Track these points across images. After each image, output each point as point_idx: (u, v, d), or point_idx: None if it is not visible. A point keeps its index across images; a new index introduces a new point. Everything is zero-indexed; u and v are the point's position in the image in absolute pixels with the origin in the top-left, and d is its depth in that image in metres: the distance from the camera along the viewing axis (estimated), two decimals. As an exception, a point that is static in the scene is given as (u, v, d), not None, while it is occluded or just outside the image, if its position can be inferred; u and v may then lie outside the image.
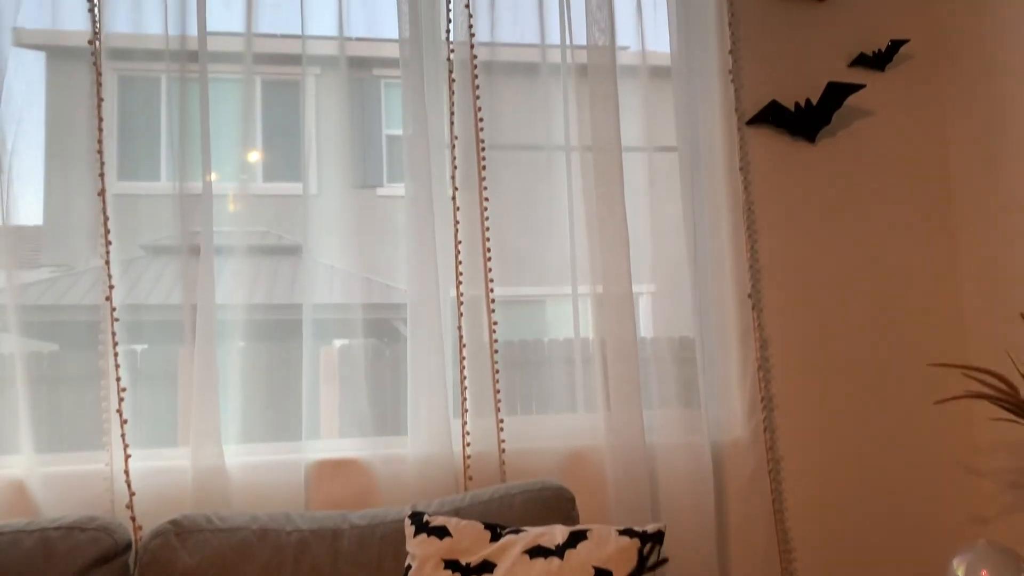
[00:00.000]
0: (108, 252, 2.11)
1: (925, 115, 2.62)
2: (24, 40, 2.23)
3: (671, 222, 2.43)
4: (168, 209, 2.23)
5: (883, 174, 2.57)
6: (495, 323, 2.27)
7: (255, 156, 2.33)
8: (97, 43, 2.17)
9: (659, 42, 2.50)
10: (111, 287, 2.10)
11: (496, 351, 2.27)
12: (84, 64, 2.19)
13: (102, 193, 2.11)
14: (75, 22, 2.22)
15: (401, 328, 2.37)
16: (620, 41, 2.45)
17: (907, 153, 2.60)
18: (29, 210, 2.23)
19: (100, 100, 2.14)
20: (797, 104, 2.50)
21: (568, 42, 2.40)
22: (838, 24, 2.60)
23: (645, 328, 2.48)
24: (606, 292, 2.32)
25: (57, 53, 2.29)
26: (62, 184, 2.25)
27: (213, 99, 2.23)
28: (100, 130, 2.13)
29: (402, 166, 2.32)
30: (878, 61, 2.57)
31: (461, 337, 2.25)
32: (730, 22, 2.48)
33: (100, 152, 2.13)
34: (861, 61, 2.57)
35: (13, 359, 2.08)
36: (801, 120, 2.49)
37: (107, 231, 2.11)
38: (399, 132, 2.39)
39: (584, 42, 2.40)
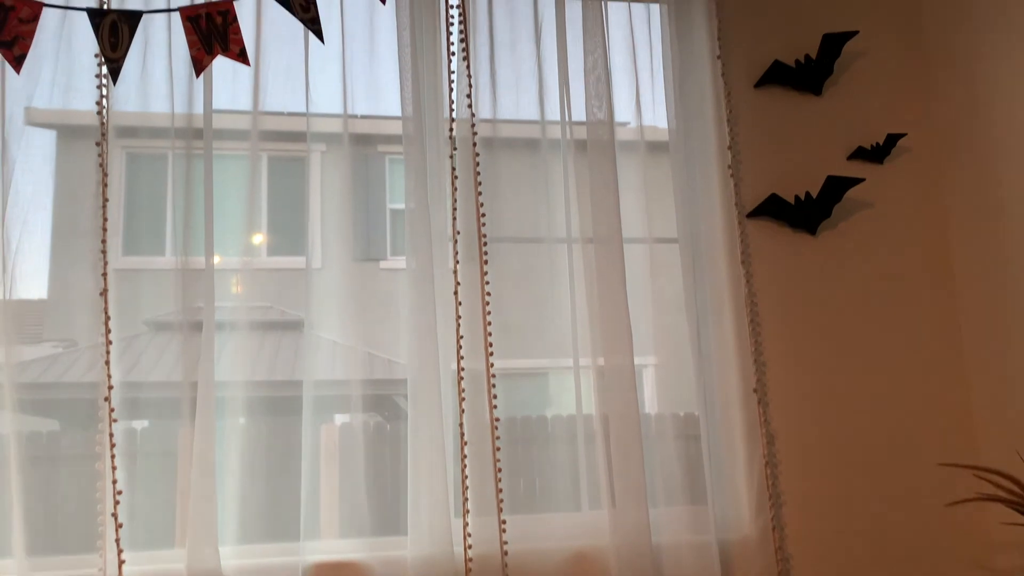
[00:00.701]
0: (108, 328, 2.12)
1: (926, 207, 2.64)
2: (35, 119, 2.26)
3: (673, 304, 2.44)
4: (171, 284, 2.22)
5: (886, 266, 2.59)
6: (495, 396, 2.25)
7: (259, 238, 2.35)
8: (104, 121, 2.20)
9: (657, 118, 2.55)
10: (107, 363, 2.10)
11: (497, 429, 2.24)
12: (92, 141, 2.21)
13: (104, 269, 2.13)
14: (85, 102, 2.27)
15: (402, 404, 2.36)
16: (618, 117, 2.49)
17: (909, 245, 2.61)
18: (34, 284, 2.24)
19: (105, 176, 2.17)
20: (797, 197, 2.53)
21: (567, 118, 2.43)
22: (835, 118, 2.64)
23: (648, 403, 2.47)
24: (608, 365, 2.31)
25: (66, 131, 2.33)
26: (67, 259, 2.27)
27: (218, 175, 2.25)
28: (105, 206, 2.16)
29: (404, 240, 2.34)
30: (877, 154, 2.61)
31: (462, 414, 2.23)
32: (728, 118, 2.52)
33: (104, 228, 2.15)
34: (860, 154, 2.61)
35: (8, 440, 2.06)
36: (802, 213, 2.52)
37: (106, 307, 2.12)
38: (403, 206, 2.41)
39: (583, 118, 2.44)
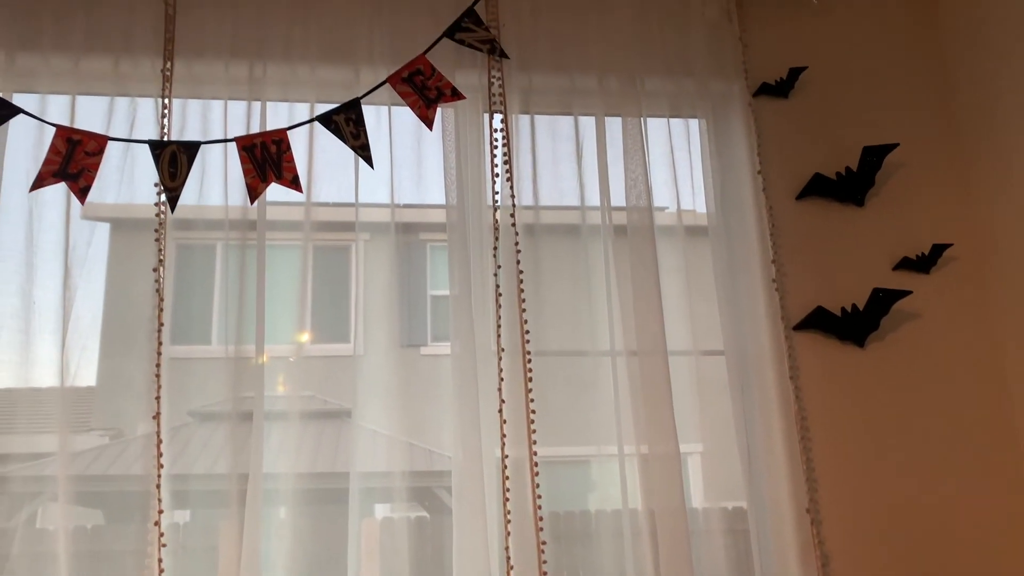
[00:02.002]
0: (159, 419, 2.15)
1: (975, 316, 2.60)
2: (90, 213, 2.35)
3: (722, 422, 2.41)
4: (218, 374, 2.25)
5: (938, 377, 2.54)
6: (538, 484, 2.22)
7: (306, 336, 2.39)
8: (162, 216, 2.28)
9: (697, 203, 2.59)
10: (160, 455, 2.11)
11: (541, 520, 2.20)
12: (144, 233, 2.28)
13: (159, 359, 2.17)
14: (142, 196, 2.34)
15: (443, 496, 2.35)
16: (657, 202, 2.52)
17: (960, 355, 2.57)
18: (83, 372, 2.28)
19: (162, 268, 2.24)
20: (844, 309, 2.51)
21: (610, 248, 2.46)
22: (879, 229, 2.63)
23: (695, 495, 2.43)
24: (652, 453, 2.28)
25: (120, 224, 2.42)
26: (116, 348, 2.32)
27: (267, 264, 2.29)
28: (160, 299, 2.21)
29: (446, 325, 2.36)
30: (923, 264, 2.59)
31: (507, 510, 2.20)
32: (771, 231, 2.53)
33: (160, 320, 2.20)
34: (905, 264, 2.59)
35: (56, 535, 2.08)
36: (849, 325, 2.50)
37: (159, 397, 2.15)
38: (443, 292, 2.44)
39: (623, 203, 2.47)
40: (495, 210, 2.42)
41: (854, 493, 2.42)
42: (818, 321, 2.50)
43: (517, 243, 2.40)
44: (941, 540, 2.42)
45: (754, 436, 2.42)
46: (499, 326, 2.33)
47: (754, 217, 2.55)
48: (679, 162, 2.59)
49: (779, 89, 2.68)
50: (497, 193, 2.43)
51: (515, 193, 2.43)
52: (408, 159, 2.48)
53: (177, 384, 2.24)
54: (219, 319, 2.41)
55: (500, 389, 2.28)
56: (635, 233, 2.45)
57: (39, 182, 2.17)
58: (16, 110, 2.22)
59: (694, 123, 2.66)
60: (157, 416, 2.15)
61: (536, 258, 2.43)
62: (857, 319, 2.50)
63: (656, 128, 2.61)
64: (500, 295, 2.34)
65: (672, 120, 2.63)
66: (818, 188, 2.62)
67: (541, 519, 2.21)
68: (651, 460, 2.28)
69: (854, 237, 2.62)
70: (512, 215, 2.41)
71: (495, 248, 2.39)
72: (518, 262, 2.39)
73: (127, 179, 2.34)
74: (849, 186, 2.62)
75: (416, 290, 2.54)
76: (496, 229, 2.40)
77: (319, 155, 2.40)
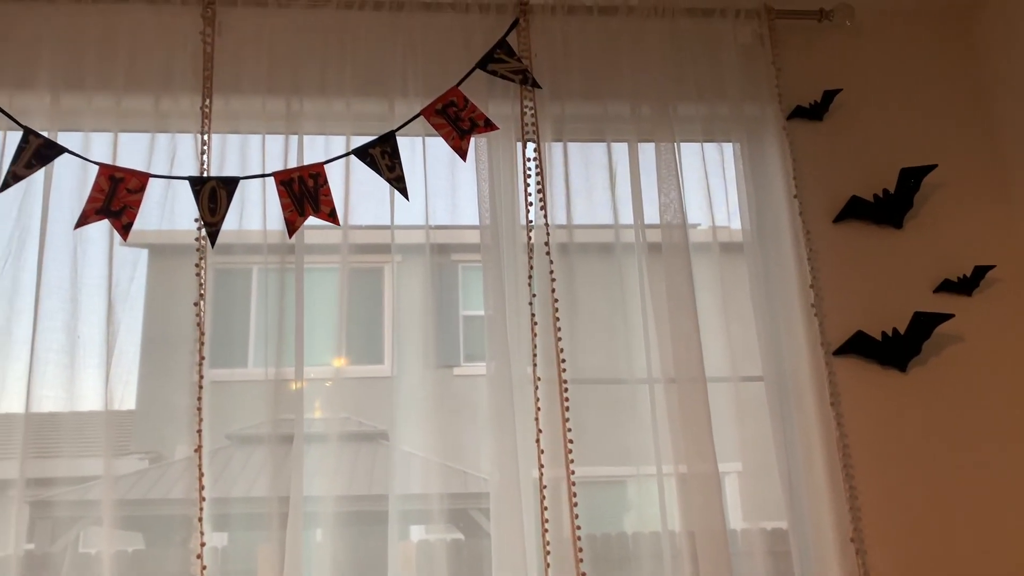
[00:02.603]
0: (200, 442, 2.17)
1: (1020, 338, 2.55)
2: (131, 240, 2.36)
3: (759, 441, 2.39)
4: (256, 397, 2.27)
5: (983, 402, 2.49)
6: (576, 504, 2.21)
7: (341, 361, 2.40)
8: (202, 251, 2.31)
9: (732, 221, 2.58)
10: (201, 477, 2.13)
11: (580, 541, 2.19)
12: (181, 257, 2.32)
13: (200, 382, 2.20)
14: (181, 223, 2.37)
15: (478, 518, 2.35)
16: (691, 219, 2.51)
17: (1006, 379, 2.51)
18: (124, 396, 2.30)
19: (203, 303, 2.27)
20: (884, 334, 2.48)
21: (644, 271, 2.45)
22: (919, 251, 2.60)
23: (733, 515, 2.40)
24: (691, 472, 2.26)
25: (159, 249, 2.45)
26: (155, 371, 2.35)
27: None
28: (201, 323, 2.24)
29: (479, 345, 2.37)
30: (964, 286, 2.55)
31: (545, 529, 2.19)
32: (808, 256, 2.51)
33: (201, 343, 2.23)
34: (947, 287, 2.55)
35: (101, 559, 2.11)
36: (890, 350, 2.46)
37: (200, 420, 2.18)
38: (474, 312, 2.45)
39: (657, 221, 2.46)
40: (529, 229, 2.42)
41: (899, 522, 2.37)
42: (858, 346, 2.47)
43: (551, 262, 2.39)
44: (992, 571, 2.37)
45: (795, 461, 2.40)
46: (535, 354, 2.32)
47: (791, 241, 2.53)
48: (714, 187, 2.58)
49: (813, 112, 2.67)
50: (531, 219, 2.44)
51: (548, 219, 2.44)
52: (442, 188, 2.50)
53: (214, 407, 2.26)
54: (255, 342, 2.43)
55: (537, 419, 2.27)
56: (670, 251, 2.44)
57: (83, 219, 2.21)
58: (61, 149, 2.27)
59: (728, 147, 2.65)
60: (199, 449, 2.17)
61: (570, 277, 2.43)
62: (898, 343, 2.47)
63: (690, 153, 2.60)
64: (536, 323, 2.34)
65: (706, 144, 2.62)
66: (856, 211, 2.59)
67: (579, 538, 2.20)
68: (690, 480, 2.26)
69: (893, 260, 2.59)
70: (546, 234, 2.41)
71: (530, 269, 2.39)
72: (552, 280, 2.38)
73: (168, 210, 2.37)
74: (887, 208, 2.59)
75: (448, 310, 2.55)
76: (530, 248, 2.40)
77: (355, 187, 2.42)
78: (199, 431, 2.18)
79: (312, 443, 2.25)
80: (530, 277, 2.38)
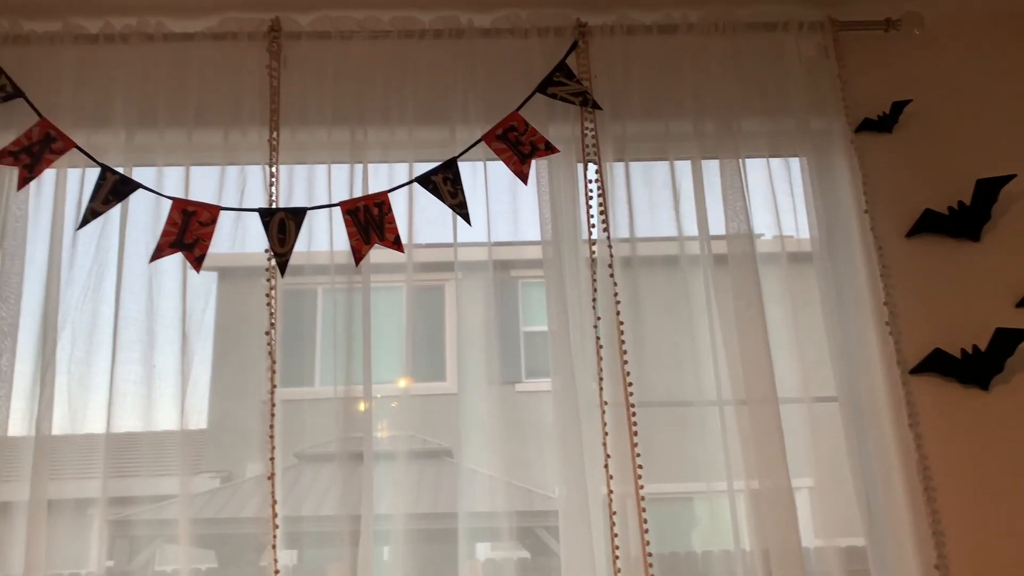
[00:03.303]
0: (273, 462, 2.20)
1: (1110, 352, 2.45)
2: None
3: (831, 456, 2.32)
4: (323, 415, 2.31)
5: (1071, 420, 2.38)
6: (646, 521, 2.18)
7: (404, 383, 2.42)
8: (272, 280, 2.35)
9: (799, 231, 2.53)
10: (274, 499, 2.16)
11: (650, 562, 2.16)
12: (251, 279, 2.38)
13: (273, 400, 2.24)
14: (250, 246, 2.42)
15: (544, 537, 2.34)
16: (756, 229, 2.47)
17: (1095, 395, 2.41)
18: (195, 415, 2.35)
19: (273, 332, 2.31)
20: (964, 351, 2.40)
21: (706, 234, 2.43)
22: (998, 264, 2.50)
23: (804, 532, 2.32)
24: (762, 488, 2.22)
25: (228, 272, 2.52)
26: (227, 391, 2.42)
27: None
28: (272, 342, 2.28)
29: (542, 361, 2.37)
30: (1049, 300, 2.46)
31: (615, 546, 2.17)
32: (881, 272, 2.45)
33: (273, 371, 2.27)
34: (1030, 301, 2.47)
35: None
36: (970, 368, 2.38)
37: (272, 440, 2.21)
38: (535, 328, 2.44)
39: (722, 232, 2.43)
40: (591, 243, 2.41)
41: (986, 549, 2.28)
42: (936, 364, 2.39)
43: (612, 276, 2.38)
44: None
45: (871, 481, 2.33)
46: (601, 377, 2.31)
47: (863, 257, 2.47)
48: (781, 203, 2.53)
49: (882, 124, 2.60)
50: (594, 239, 2.43)
51: (611, 236, 2.43)
52: (504, 211, 2.50)
53: (282, 425, 2.29)
54: (322, 361, 2.47)
55: (605, 444, 2.25)
56: (736, 262, 2.41)
57: (158, 253, 2.28)
58: (136, 185, 2.35)
59: (795, 162, 2.60)
60: (271, 474, 2.20)
61: (634, 291, 2.41)
62: (979, 361, 2.38)
63: (755, 168, 2.56)
64: (601, 344, 2.32)
65: (772, 160, 2.57)
66: (929, 224, 2.52)
67: (650, 555, 2.17)
68: (762, 496, 2.22)
69: (971, 274, 2.51)
70: (609, 247, 2.40)
71: (594, 283, 2.37)
72: (616, 297, 2.37)
73: (239, 237, 2.43)
74: (963, 221, 2.51)
75: (509, 327, 2.55)
76: (593, 263, 2.39)
77: (418, 213, 2.44)
78: (271, 458, 2.21)
79: (379, 461, 2.27)
80: (594, 291, 2.37)
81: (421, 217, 2.44)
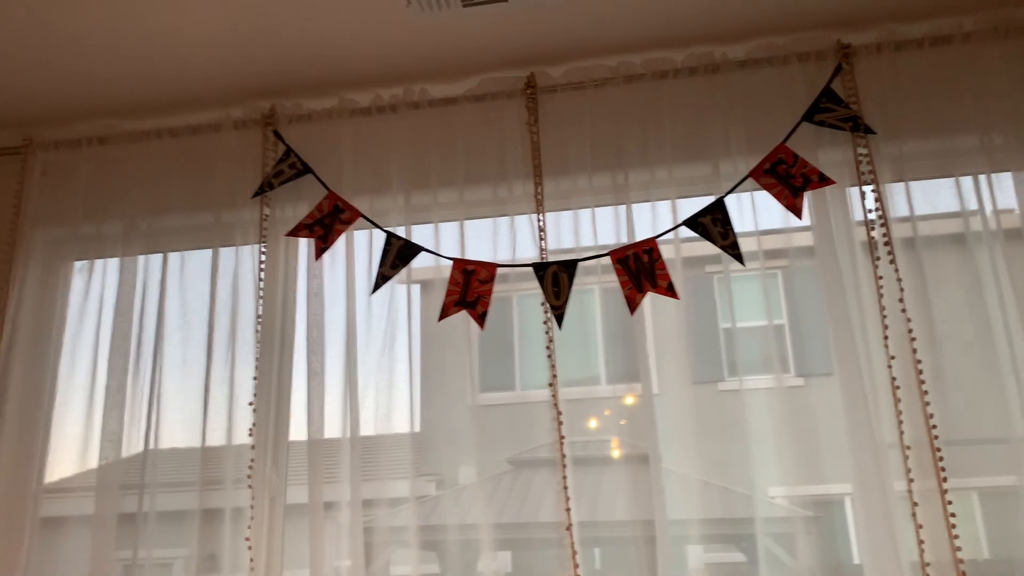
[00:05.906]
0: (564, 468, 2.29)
1: None
2: (408, 278, 2.57)
3: None
4: (524, 419, 2.40)
5: None
6: (954, 525, 2.07)
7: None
8: (548, 316, 2.43)
9: None
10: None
11: (962, 570, 2.05)
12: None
13: (554, 401, 2.34)
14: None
15: (767, 543, 2.26)
16: None
17: None
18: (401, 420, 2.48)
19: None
20: None
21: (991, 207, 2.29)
22: None
23: None
24: None
25: (430, 284, 2.59)
26: (435, 397, 2.54)
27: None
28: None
29: (740, 359, 2.34)
30: None
31: (922, 550, 2.08)
32: None
33: (553, 365, 2.38)
34: None
35: None
36: None
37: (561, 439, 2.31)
38: (729, 325, 2.38)
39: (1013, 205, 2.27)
40: (869, 228, 2.34)
41: None
42: None
43: (894, 262, 2.29)
44: None
45: None
46: (887, 347, 2.22)
47: None
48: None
49: None
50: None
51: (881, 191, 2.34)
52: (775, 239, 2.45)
53: (485, 430, 2.38)
54: (520, 365, 2.57)
55: (902, 433, 2.16)
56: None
57: (444, 312, 2.43)
58: (418, 249, 2.51)
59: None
60: (563, 479, 2.27)
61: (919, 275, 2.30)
62: None
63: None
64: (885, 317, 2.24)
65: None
66: None
67: (961, 561, 2.06)
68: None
69: None
70: (885, 225, 2.31)
71: (875, 265, 2.30)
72: (899, 280, 2.28)
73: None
74: None
75: (707, 324, 2.49)
76: (872, 246, 2.32)
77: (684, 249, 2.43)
78: (563, 465, 2.28)
79: (584, 466, 2.32)
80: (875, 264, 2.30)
81: (687, 262, 2.43)
